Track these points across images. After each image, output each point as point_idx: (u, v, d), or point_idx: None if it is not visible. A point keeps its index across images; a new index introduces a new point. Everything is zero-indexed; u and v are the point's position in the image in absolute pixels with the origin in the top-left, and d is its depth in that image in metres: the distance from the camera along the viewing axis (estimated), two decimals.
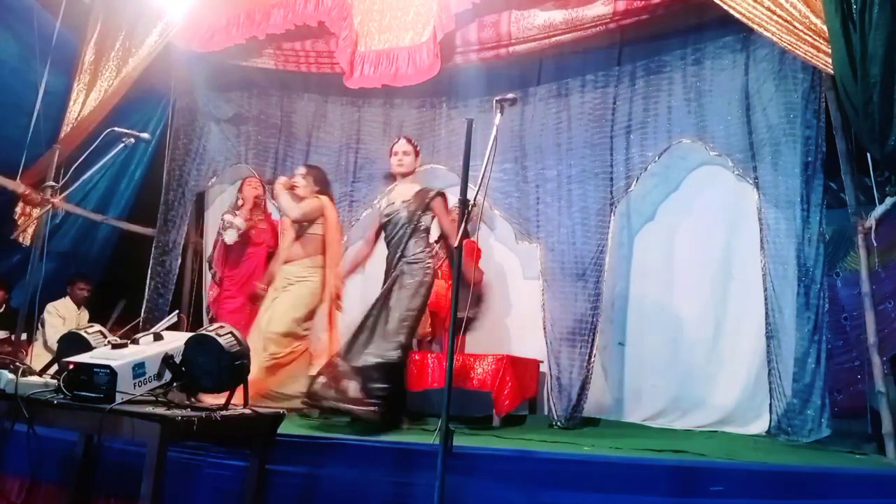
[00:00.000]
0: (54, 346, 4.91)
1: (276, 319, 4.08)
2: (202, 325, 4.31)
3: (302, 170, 4.37)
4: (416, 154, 4.07)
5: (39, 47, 4.62)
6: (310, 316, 4.17)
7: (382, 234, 4.06)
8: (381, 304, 3.77)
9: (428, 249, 3.94)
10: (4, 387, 2.23)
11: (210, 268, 4.87)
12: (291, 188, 4.23)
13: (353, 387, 3.53)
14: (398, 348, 3.63)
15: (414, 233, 3.89)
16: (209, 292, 4.83)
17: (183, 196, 5.77)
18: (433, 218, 3.95)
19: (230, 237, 4.68)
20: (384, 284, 3.91)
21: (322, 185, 4.35)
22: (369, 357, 3.60)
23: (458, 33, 4.79)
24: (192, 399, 2.29)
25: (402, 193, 3.98)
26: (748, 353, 4.40)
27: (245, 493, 2.45)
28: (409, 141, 4.08)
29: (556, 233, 4.80)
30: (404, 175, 4.00)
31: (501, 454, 2.72)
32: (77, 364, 2.19)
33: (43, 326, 5.13)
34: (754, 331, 4.33)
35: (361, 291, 5.73)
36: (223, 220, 4.74)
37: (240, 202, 4.80)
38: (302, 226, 4.22)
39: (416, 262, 3.84)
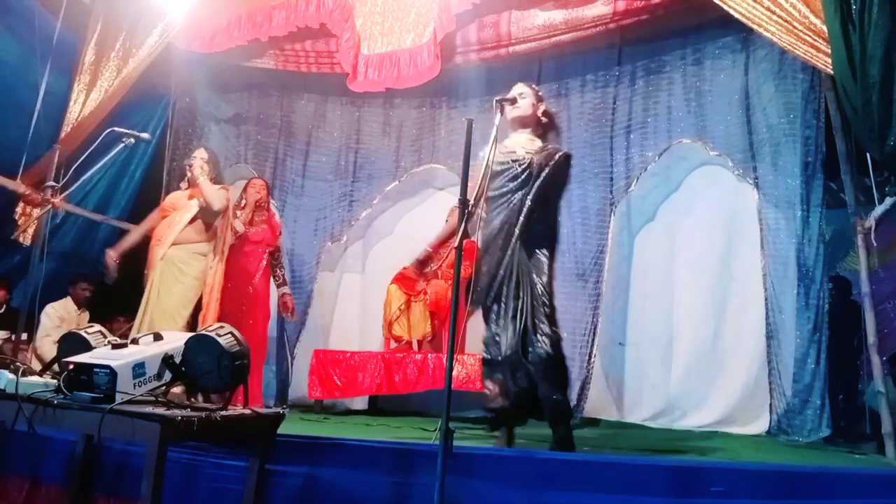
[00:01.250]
0: (42, 350, 4.95)
1: (164, 317, 4.00)
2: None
3: (204, 154, 4.29)
4: (538, 98, 3.35)
5: (40, 48, 4.63)
6: (193, 313, 4.12)
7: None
8: (515, 287, 3.11)
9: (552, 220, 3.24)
10: (4, 387, 2.23)
11: None
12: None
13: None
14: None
15: (536, 192, 3.13)
16: None
17: None
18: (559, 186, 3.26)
19: (228, 239, 4.68)
20: (497, 254, 3.16)
21: (217, 169, 4.33)
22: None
23: (458, 34, 4.80)
24: (192, 399, 2.29)
25: (520, 142, 3.25)
26: (748, 353, 4.40)
27: (245, 493, 2.45)
28: (528, 86, 3.39)
29: None
30: (520, 119, 3.29)
31: (501, 454, 2.72)
32: (77, 364, 2.19)
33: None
34: (754, 331, 4.34)
35: (361, 290, 5.77)
36: None
37: (243, 203, 4.80)
38: (204, 211, 4.16)
39: (539, 231, 3.17)
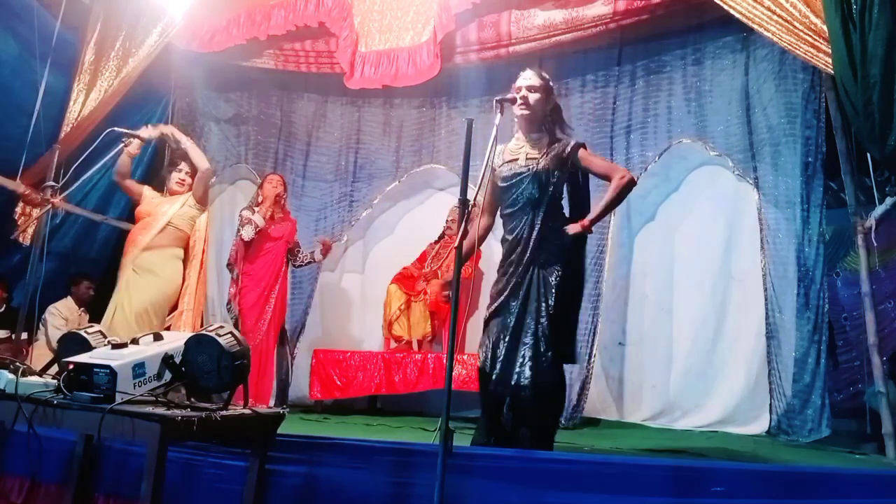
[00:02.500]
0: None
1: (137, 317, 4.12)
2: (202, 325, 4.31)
3: (186, 167, 4.42)
4: (547, 91, 3.08)
5: (39, 47, 4.62)
6: (168, 309, 4.29)
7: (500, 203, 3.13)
8: (521, 305, 2.93)
9: (562, 228, 2.98)
10: (4, 387, 2.23)
11: (229, 266, 4.89)
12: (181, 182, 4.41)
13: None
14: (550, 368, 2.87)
15: (547, 204, 2.98)
16: (230, 289, 4.86)
17: None
18: (570, 182, 3.06)
19: (248, 233, 4.69)
20: (504, 275, 3.02)
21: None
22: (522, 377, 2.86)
23: (458, 33, 4.80)
24: (192, 399, 2.29)
25: (525, 149, 3.06)
26: (748, 353, 4.40)
27: (245, 493, 2.45)
28: (539, 75, 3.10)
29: None
30: (528, 121, 3.06)
31: (501, 454, 2.71)
32: (77, 364, 2.18)
33: (45, 327, 5.13)
34: (754, 331, 4.34)
35: (360, 290, 5.77)
36: (241, 217, 4.76)
37: (260, 198, 4.81)
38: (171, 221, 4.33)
39: (554, 244, 2.96)
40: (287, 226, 4.86)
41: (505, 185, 3.04)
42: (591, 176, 3.10)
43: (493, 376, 2.91)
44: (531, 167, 2.99)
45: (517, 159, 3.05)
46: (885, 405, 3.38)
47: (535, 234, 2.95)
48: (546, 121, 3.09)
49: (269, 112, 5.88)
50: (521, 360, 2.87)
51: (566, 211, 3.09)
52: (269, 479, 2.53)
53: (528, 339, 2.88)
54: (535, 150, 3.04)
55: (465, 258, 3.08)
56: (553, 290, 2.89)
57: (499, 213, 3.14)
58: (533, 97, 3.02)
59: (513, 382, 2.86)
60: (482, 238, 3.21)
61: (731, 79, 4.53)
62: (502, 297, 2.97)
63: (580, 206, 3.07)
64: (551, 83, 3.13)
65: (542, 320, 2.88)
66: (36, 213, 4.64)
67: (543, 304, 2.89)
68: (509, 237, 3.04)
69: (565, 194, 3.10)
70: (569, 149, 3.02)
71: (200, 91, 5.87)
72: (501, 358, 2.91)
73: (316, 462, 2.64)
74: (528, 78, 3.06)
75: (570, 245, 2.97)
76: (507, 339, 2.91)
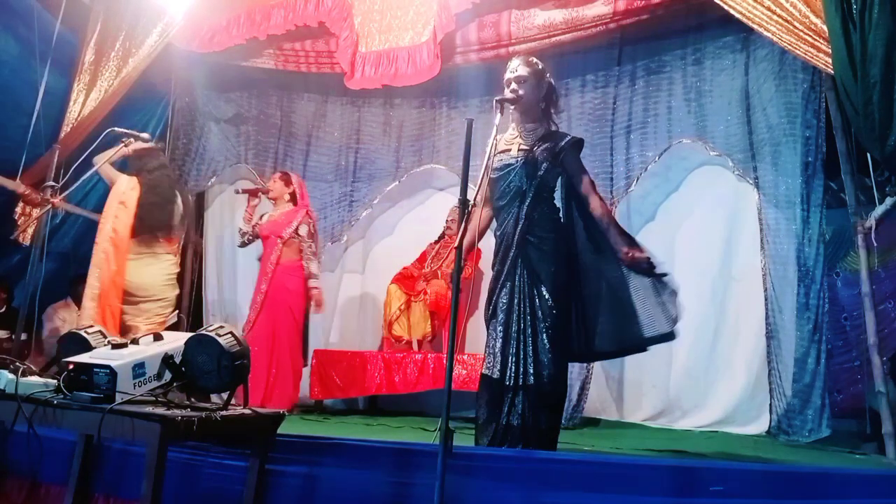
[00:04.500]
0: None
1: None
2: (202, 326, 4.31)
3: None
4: (538, 77, 3.01)
5: (39, 48, 4.62)
6: None
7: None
8: (515, 304, 2.90)
9: (554, 217, 2.97)
10: (4, 387, 2.23)
11: None
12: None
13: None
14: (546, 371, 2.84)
15: (533, 196, 2.94)
16: None
17: None
18: (560, 175, 3.00)
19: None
20: (497, 267, 3.00)
21: (141, 158, 4.40)
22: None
23: (458, 33, 4.79)
24: (192, 399, 2.29)
25: (518, 139, 3.01)
26: (748, 353, 4.41)
27: (245, 493, 2.45)
28: (526, 63, 3.00)
29: None
30: (521, 111, 3.02)
31: (501, 454, 2.72)
32: (77, 364, 2.19)
33: (44, 328, 5.14)
34: (754, 331, 4.34)
35: (361, 290, 5.76)
36: None
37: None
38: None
39: (542, 238, 2.92)
40: (278, 221, 4.66)
41: (495, 175, 2.99)
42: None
43: (500, 378, 2.88)
44: (521, 157, 2.95)
45: (510, 150, 3.00)
46: (885, 405, 3.38)
47: (520, 227, 2.91)
48: (541, 109, 3.06)
49: (269, 112, 5.88)
50: (523, 359, 2.86)
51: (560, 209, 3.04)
52: (269, 479, 2.53)
53: (528, 339, 2.86)
54: (529, 140, 2.99)
55: (467, 251, 3.03)
56: (547, 286, 2.87)
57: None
58: (524, 88, 2.97)
59: (519, 383, 2.84)
60: (483, 231, 3.12)
61: (731, 79, 4.53)
62: (496, 299, 2.95)
63: (575, 205, 3.00)
64: (540, 66, 3.04)
65: (539, 317, 2.86)
66: (36, 213, 4.63)
67: (538, 301, 2.86)
68: (497, 232, 3.02)
69: (559, 188, 3.03)
70: (563, 143, 2.98)
71: (200, 91, 5.87)
72: (504, 360, 2.89)
73: (316, 462, 2.64)
74: (515, 69, 3.00)
75: (561, 237, 2.94)
76: (507, 340, 2.89)
